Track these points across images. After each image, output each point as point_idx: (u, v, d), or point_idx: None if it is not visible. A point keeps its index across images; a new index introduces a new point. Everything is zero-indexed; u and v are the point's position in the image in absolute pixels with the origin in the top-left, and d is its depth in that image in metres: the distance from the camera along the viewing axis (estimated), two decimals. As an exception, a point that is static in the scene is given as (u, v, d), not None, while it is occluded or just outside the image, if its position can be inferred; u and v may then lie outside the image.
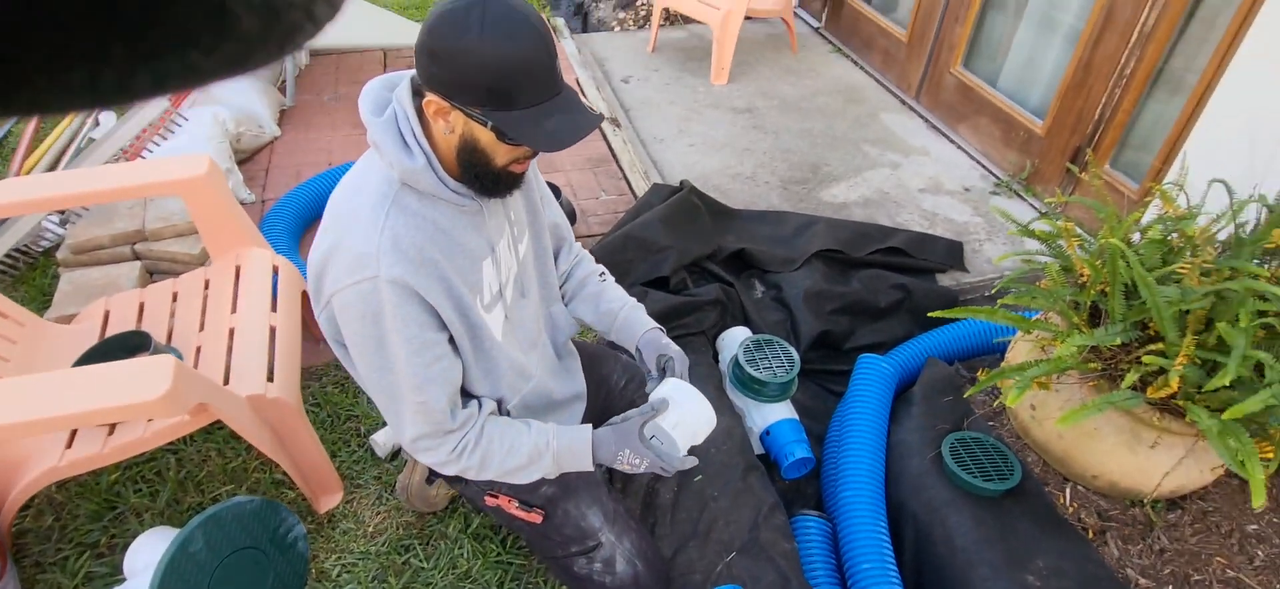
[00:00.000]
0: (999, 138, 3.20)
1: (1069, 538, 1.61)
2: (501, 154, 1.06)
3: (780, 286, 2.39)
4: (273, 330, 1.63)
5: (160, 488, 1.74)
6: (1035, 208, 2.97)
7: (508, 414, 1.32)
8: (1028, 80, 3.11)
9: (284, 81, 3.36)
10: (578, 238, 1.80)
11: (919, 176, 3.13)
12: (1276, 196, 1.54)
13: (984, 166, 3.23)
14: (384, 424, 1.89)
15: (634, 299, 1.51)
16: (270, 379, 1.52)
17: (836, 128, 3.45)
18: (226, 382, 1.51)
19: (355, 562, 1.63)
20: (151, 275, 2.22)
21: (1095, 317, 1.63)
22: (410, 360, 1.09)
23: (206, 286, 1.75)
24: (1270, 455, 1.43)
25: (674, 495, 1.77)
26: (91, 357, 1.53)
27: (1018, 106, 3.11)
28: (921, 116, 3.60)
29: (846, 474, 1.78)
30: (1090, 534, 1.64)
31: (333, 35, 3.26)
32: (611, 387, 1.64)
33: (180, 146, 2.50)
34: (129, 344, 1.54)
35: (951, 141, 3.41)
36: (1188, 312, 1.39)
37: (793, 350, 2.01)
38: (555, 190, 2.46)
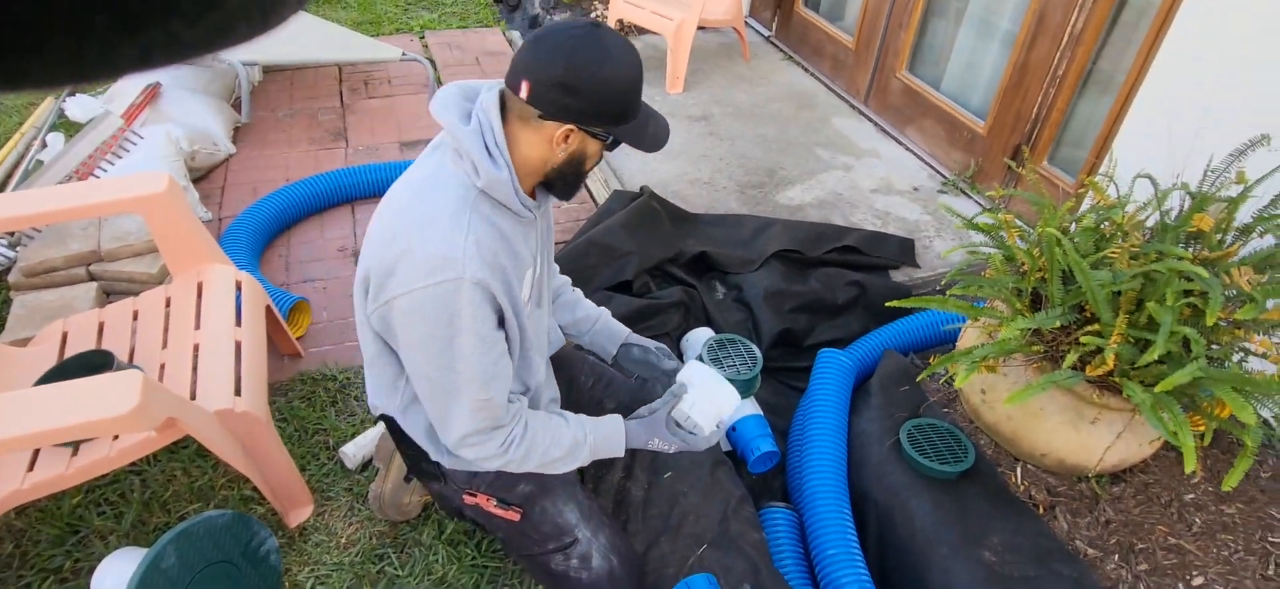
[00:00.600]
0: (944, 138, 3.33)
1: (1022, 514, 1.70)
2: (591, 162, 1.20)
3: (741, 287, 2.46)
4: (238, 345, 1.62)
5: (125, 509, 1.71)
6: (980, 204, 3.10)
7: None
8: (969, 83, 3.25)
9: (238, 99, 3.32)
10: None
11: (870, 178, 3.24)
12: (1197, 184, 1.66)
13: (931, 166, 3.36)
14: (353, 436, 1.89)
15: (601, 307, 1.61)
16: (238, 394, 1.52)
17: (790, 133, 3.55)
18: (193, 398, 1.51)
19: (329, 573, 1.63)
20: (108, 296, 2.18)
21: (1037, 302, 1.72)
22: (480, 358, 1.15)
23: (168, 304, 1.74)
24: (1201, 427, 1.54)
25: (645, 492, 1.81)
26: (52, 377, 1.50)
27: (961, 108, 3.24)
28: (871, 120, 3.72)
29: (810, 465, 1.84)
30: (1041, 510, 1.73)
31: (287, 51, 3.24)
32: (580, 387, 1.68)
33: (133, 165, 2.46)
34: (91, 363, 1.52)
35: (900, 143, 3.53)
36: (1119, 293, 1.49)
37: (755, 348, 2.06)
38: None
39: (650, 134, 1.19)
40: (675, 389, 1.42)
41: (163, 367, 1.59)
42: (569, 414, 1.39)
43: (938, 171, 3.33)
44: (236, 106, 3.29)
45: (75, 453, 1.40)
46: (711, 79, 4.04)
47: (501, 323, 1.21)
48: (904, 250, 2.74)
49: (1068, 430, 1.67)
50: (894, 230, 2.88)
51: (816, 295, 2.42)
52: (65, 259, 2.14)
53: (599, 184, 3.00)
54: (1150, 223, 1.71)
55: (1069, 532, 1.69)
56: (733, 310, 2.39)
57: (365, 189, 2.80)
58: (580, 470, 1.80)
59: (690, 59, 3.92)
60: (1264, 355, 1.51)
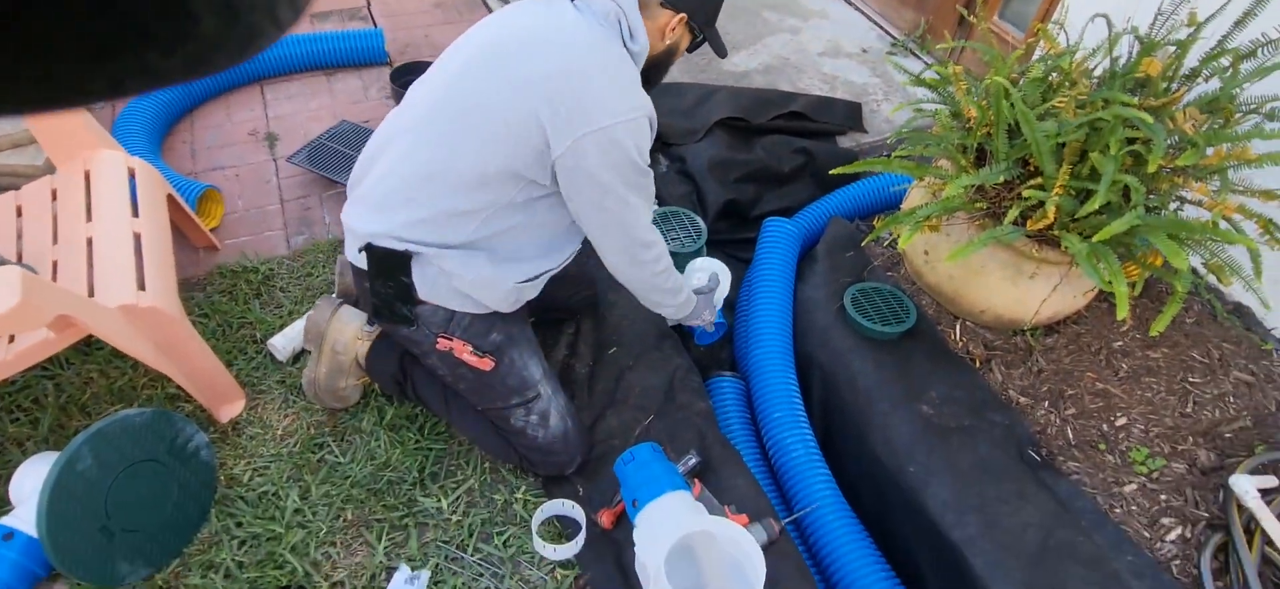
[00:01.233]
0: (894, -4, 3.21)
1: (959, 368, 1.73)
2: (674, 61, 1.45)
3: (684, 158, 2.37)
4: (137, 237, 1.49)
5: (40, 415, 1.61)
6: (928, 63, 3.03)
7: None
8: (920, -65, 3.10)
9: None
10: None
11: (818, 40, 3.12)
12: (1147, 29, 1.61)
13: (881, 27, 3.25)
14: (281, 328, 1.80)
15: None
16: (142, 288, 1.41)
17: (736, -6, 3.37)
18: (92, 294, 1.39)
19: (267, 464, 1.58)
20: (-8, 192, 1.98)
21: (981, 159, 1.69)
22: (651, 178, 1.35)
23: (54, 197, 1.58)
24: (1135, 276, 1.56)
25: (589, 369, 1.79)
26: (-74, 280, 1.36)
27: (911, -37, 3.11)
28: (819, -21, 3.56)
29: (756, 334, 1.83)
30: (977, 363, 1.77)
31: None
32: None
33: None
34: (-30, 263, 1.38)
35: (849, 4, 3.40)
36: (1064, 144, 1.46)
37: (698, 220, 2.02)
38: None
39: (721, 43, 1.44)
40: (710, 282, 1.78)
41: (55, 264, 1.46)
42: None
43: (887, 33, 3.22)
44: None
45: (-33, 359, 1.29)
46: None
47: None
48: (851, 115, 2.68)
49: (1006, 286, 1.68)
50: (842, 94, 2.80)
51: (762, 164, 2.36)
52: (-63, 152, 1.92)
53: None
54: (1099, 72, 1.67)
55: (1003, 383, 1.73)
56: (676, 183, 2.32)
57: (275, 65, 2.56)
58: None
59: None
60: (1199, 202, 1.52)
